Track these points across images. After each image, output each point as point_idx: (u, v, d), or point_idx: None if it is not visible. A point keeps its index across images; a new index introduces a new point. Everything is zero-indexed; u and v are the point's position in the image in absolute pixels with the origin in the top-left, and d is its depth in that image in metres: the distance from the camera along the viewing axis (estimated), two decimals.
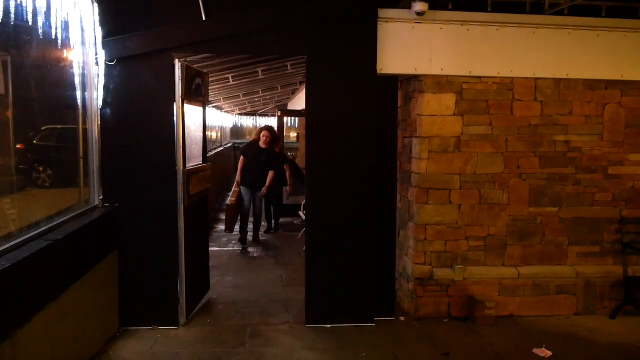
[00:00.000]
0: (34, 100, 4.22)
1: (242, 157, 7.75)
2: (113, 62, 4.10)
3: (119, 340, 4.11)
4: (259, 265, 6.54)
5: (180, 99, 4.27)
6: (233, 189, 8.17)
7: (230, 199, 7.65)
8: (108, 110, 4.18)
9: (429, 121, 4.58)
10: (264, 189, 7.43)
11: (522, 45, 4.57)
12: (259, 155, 7.45)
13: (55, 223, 3.48)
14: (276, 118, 11.93)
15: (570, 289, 4.82)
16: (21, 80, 3.92)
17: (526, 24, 4.56)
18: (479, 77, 4.60)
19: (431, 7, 4.34)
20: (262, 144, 7.50)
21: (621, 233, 4.86)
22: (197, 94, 4.75)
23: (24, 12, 2.90)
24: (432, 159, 4.61)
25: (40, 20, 3.04)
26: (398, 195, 4.97)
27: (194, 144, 4.91)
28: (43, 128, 7.56)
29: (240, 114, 21.08)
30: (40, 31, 3.11)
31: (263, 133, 7.59)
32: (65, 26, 3.44)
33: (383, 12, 4.38)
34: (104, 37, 4.02)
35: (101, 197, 4.25)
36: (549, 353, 4.03)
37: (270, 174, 7.49)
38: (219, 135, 18.20)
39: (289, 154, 12.08)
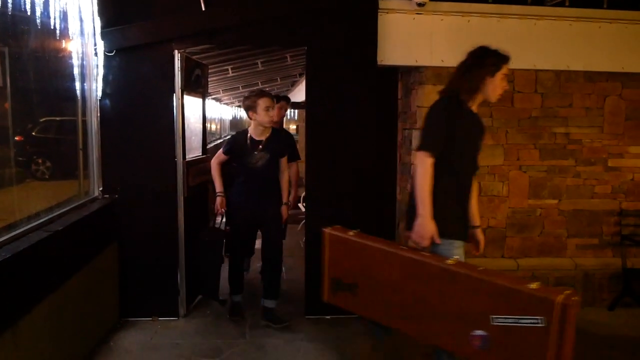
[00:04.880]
0: (32, 92, 4.20)
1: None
2: (112, 52, 4.08)
3: (119, 330, 4.12)
4: (257, 257, 6.52)
5: (180, 90, 4.25)
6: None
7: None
8: (107, 102, 4.16)
9: None
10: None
11: (522, 37, 4.54)
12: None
13: (54, 214, 3.48)
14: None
15: (569, 281, 4.83)
16: (19, 71, 3.89)
17: (527, 15, 4.53)
18: None
19: None
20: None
21: (620, 225, 4.87)
22: (196, 85, 4.73)
23: (22, 2, 2.89)
24: None
25: (38, 11, 3.03)
26: (398, 187, 4.97)
27: (194, 136, 4.90)
28: (42, 120, 7.55)
29: (240, 106, 21.06)
30: (38, 21, 3.09)
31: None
32: (64, 16, 3.42)
33: (384, 3, 4.36)
34: (102, 28, 3.99)
35: (101, 189, 4.24)
36: None
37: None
38: (218, 127, 18.20)
39: None
